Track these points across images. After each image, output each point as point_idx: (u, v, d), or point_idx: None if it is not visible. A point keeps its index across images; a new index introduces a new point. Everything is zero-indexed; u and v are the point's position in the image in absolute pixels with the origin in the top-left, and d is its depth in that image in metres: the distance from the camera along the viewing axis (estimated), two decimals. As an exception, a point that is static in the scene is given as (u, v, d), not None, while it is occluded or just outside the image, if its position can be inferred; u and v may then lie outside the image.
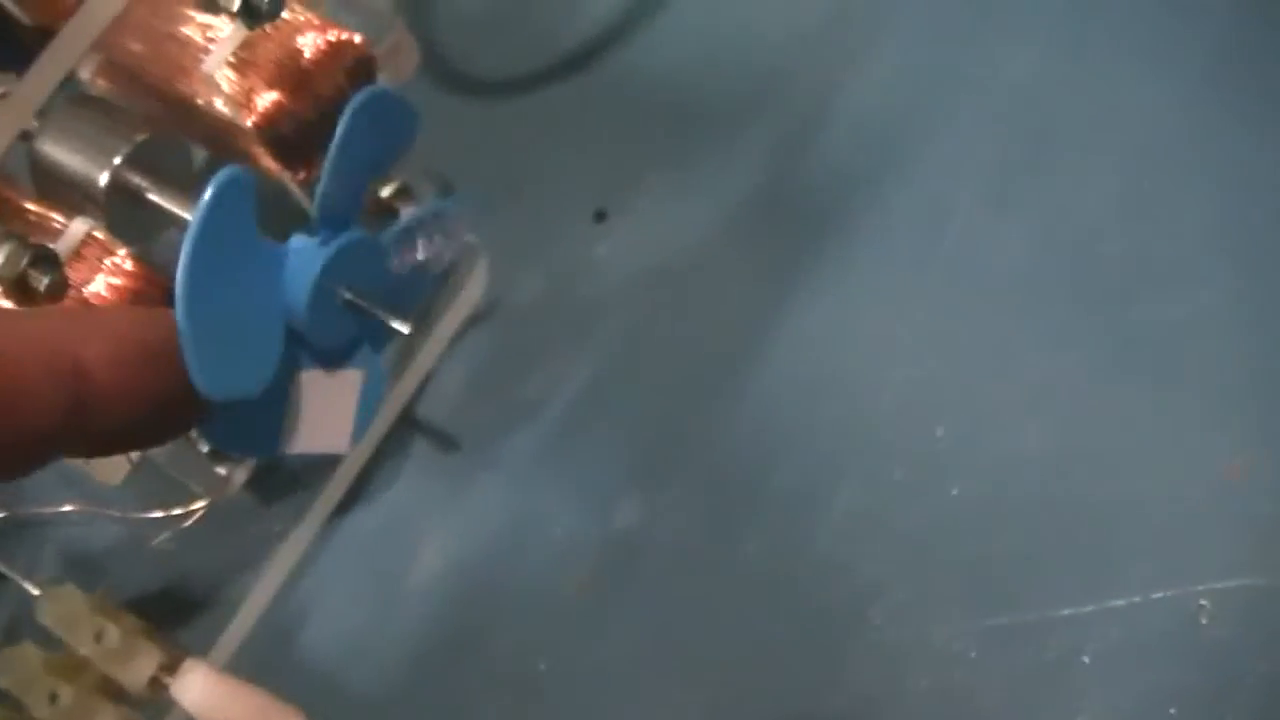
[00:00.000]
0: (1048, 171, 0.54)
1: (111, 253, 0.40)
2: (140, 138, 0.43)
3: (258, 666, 0.47)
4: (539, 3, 0.62)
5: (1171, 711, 0.43)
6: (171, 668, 0.46)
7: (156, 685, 0.46)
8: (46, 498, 0.52)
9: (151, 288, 0.41)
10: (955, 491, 0.47)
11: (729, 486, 0.49)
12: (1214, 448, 0.47)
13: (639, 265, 0.55)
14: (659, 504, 0.49)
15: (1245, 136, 0.53)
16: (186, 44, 0.42)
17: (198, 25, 0.42)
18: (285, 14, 0.41)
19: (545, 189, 0.57)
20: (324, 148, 0.42)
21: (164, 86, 0.43)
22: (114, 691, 0.45)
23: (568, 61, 0.60)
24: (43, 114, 0.43)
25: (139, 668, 0.46)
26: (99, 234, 0.41)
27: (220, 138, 0.44)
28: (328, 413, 0.40)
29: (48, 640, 0.46)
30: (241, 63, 0.42)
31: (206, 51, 0.42)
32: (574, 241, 0.55)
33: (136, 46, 0.43)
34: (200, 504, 0.49)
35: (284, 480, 0.51)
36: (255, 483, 0.51)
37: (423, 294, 0.43)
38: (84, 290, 0.40)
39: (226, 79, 0.41)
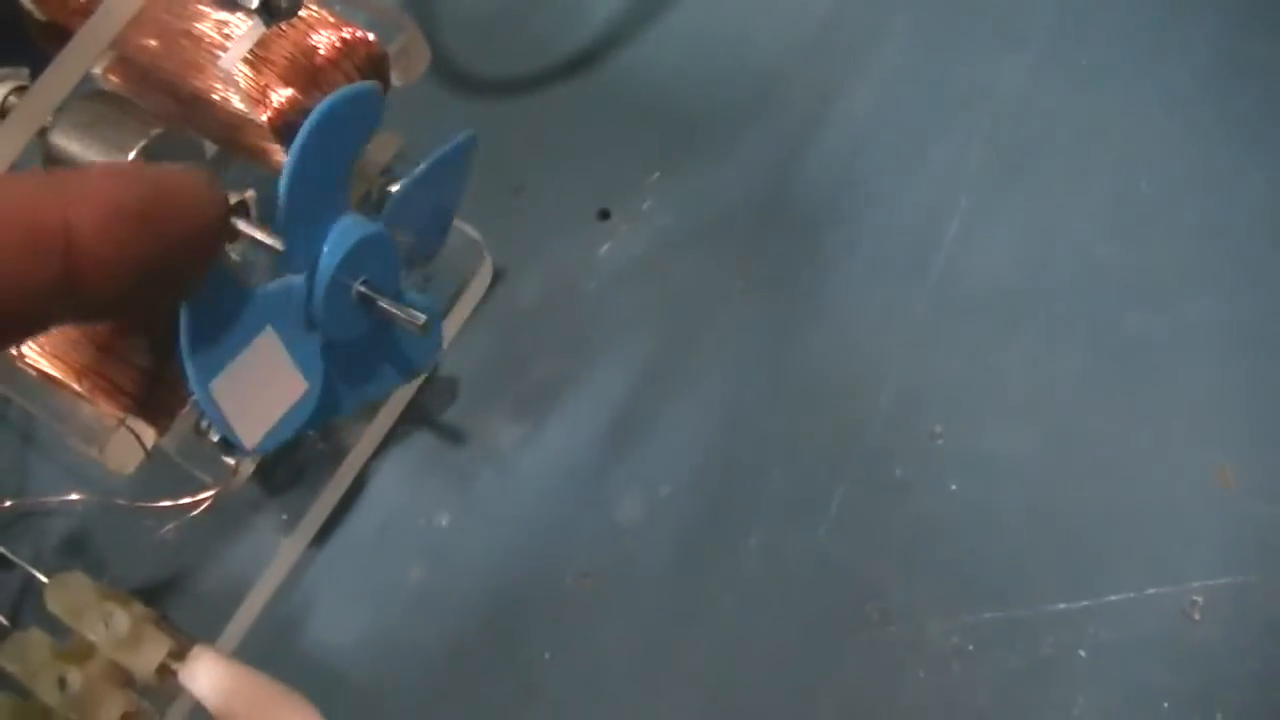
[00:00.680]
0: (1041, 180, 0.55)
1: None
2: (154, 132, 0.43)
3: (262, 656, 0.47)
4: (543, 6, 0.63)
5: (1165, 705, 0.44)
6: (179, 655, 0.46)
7: (165, 672, 0.46)
8: (52, 487, 0.53)
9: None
10: (954, 487, 0.48)
11: (730, 484, 0.50)
12: (1204, 452, 0.48)
13: (641, 265, 0.55)
14: (660, 500, 0.50)
15: (1236, 147, 0.54)
16: (201, 40, 0.43)
17: (213, 22, 0.43)
18: (301, 11, 0.42)
19: (549, 189, 0.57)
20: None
21: (177, 82, 0.44)
22: (122, 678, 0.46)
23: (571, 64, 0.61)
24: (57, 109, 0.44)
25: (147, 654, 0.46)
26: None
27: (233, 133, 0.44)
28: (259, 402, 0.41)
29: (54, 628, 0.46)
30: (256, 59, 0.42)
31: (222, 48, 0.42)
32: (578, 240, 0.56)
33: (151, 42, 0.44)
34: (207, 494, 0.50)
35: (290, 473, 0.52)
36: (261, 475, 0.51)
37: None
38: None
39: (242, 75, 0.42)
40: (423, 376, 0.54)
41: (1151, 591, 0.46)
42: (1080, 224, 0.54)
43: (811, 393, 0.51)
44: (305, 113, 0.44)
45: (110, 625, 0.46)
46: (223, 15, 0.42)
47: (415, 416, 0.53)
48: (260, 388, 0.40)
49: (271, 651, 0.49)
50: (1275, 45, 0.56)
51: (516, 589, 0.50)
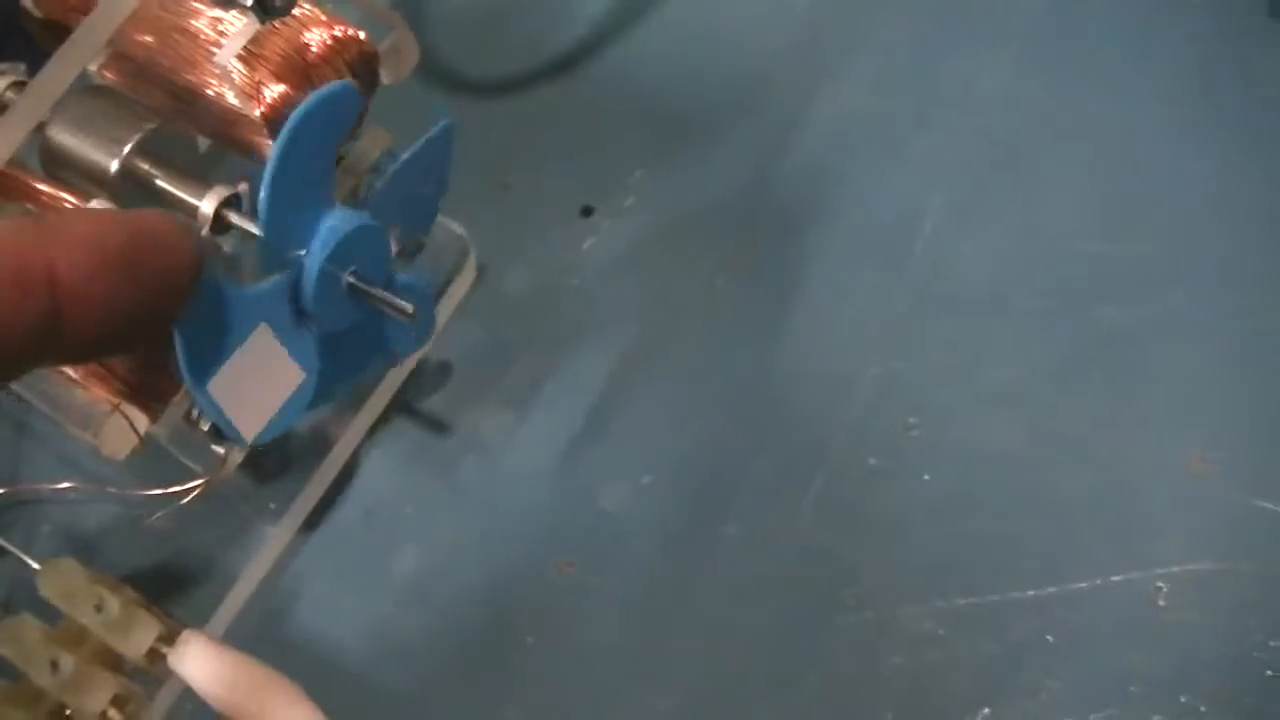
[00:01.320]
0: (1022, 175, 0.56)
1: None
2: (149, 126, 0.44)
3: (249, 642, 0.48)
4: (530, 6, 0.64)
5: (1131, 689, 0.45)
6: (169, 639, 0.47)
7: (155, 656, 0.47)
8: (43, 476, 0.54)
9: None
10: (926, 477, 0.50)
11: (710, 473, 0.51)
12: (1176, 443, 0.50)
13: (624, 259, 0.57)
14: (642, 488, 0.51)
15: (1214, 145, 0.56)
16: (197, 36, 0.44)
17: (209, 18, 0.44)
18: (294, 9, 0.43)
19: (533, 185, 0.58)
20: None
21: (172, 78, 0.45)
22: (113, 662, 0.47)
23: (557, 64, 0.62)
24: (54, 104, 0.45)
25: (138, 638, 0.47)
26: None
27: (227, 128, 0.45)
28: (257, 396, 0.42)
29: (46, 614, 0.47)
30: (250, 56, 0.43)
31: (216, 44, 0.43)
32: (562, 236, 0.57)
33: (147, 39, 0.45)
34: (197, 483, 0.51)
35: (278, 462, 0.53)
36: (250, 464, 0.52)
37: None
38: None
39: (237, 71, 0.43)
40: (416, 358, 0.55)
41: (1118, 578, 0.47)
42: (1060, 219, 0.55)
43: (791, 384, 0.53)
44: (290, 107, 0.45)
45: (102, 610, 0.47)
46: (217, 12, 0.43)
47: (401, 407, 0.54)
48: (257, 382, 0.41)
49: (259, 637, 0.50)
50: (1258, 43, 0.58)
51: (501, 575, 0.51)
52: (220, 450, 0.50)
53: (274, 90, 0.44)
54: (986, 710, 0.46)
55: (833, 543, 0.49)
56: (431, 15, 0.63)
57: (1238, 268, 0.53)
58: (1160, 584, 0.47)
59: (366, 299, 0.43)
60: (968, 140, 0.57)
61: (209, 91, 0.44)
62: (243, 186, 0.43)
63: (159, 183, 0.44)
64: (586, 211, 0.58)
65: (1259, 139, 0.56)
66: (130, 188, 0.44)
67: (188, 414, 0.47)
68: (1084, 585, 0.47)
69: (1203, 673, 0.45)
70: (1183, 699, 0.45)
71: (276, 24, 0.43)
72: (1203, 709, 0.45)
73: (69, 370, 0.42)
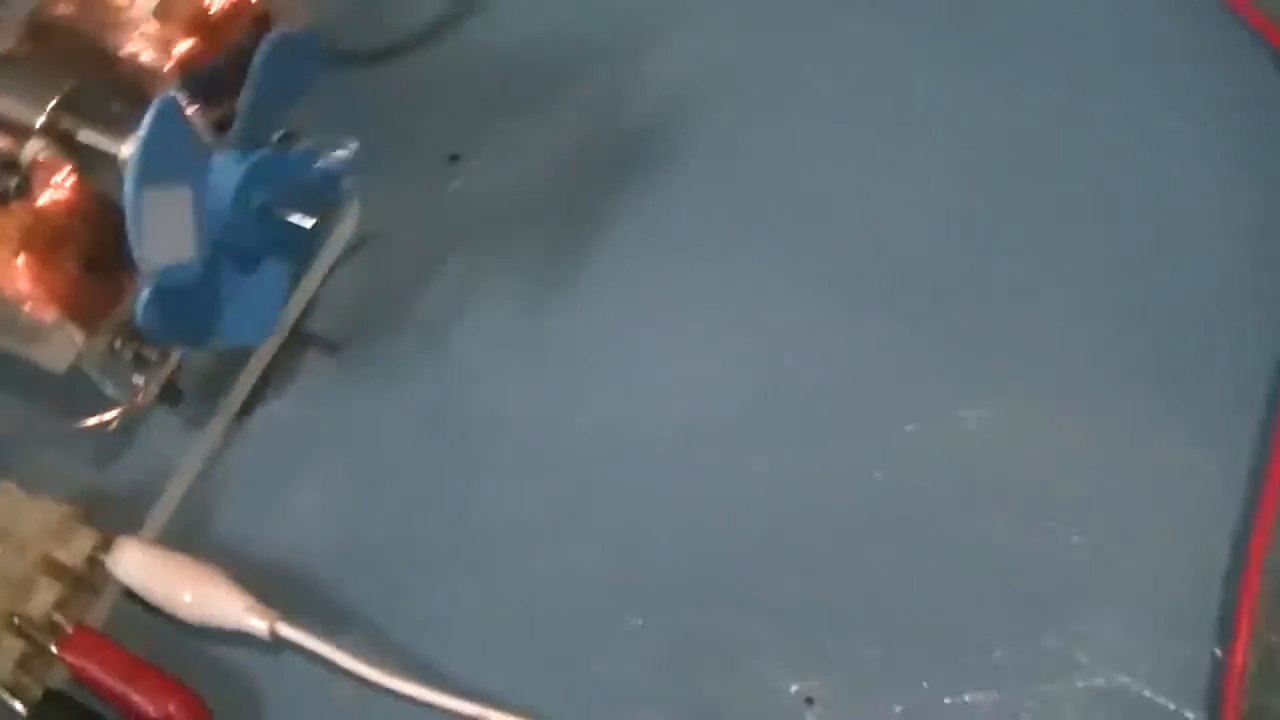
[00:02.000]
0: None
1: (56, 171, 0.47)
2: (68, 85, 0.50)
3: (178, 546, 0.54)
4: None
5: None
6: (105, 546, 0.53)
7: (93, 563, 0.53)
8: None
9: (88, 201, 0.48)
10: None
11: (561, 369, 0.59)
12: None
13: (488, 197, 0.64)
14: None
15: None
16: (110, 3, 0.50)
17: (121, -16, 0.49)
18: (198, -25, 0.49)
19: (407, 139, 0.65)
20: (234, 91, 0.50)
21: (87, 42, 0.50)
22: (55, 571, 0.52)
23: (421, 35, 0.69)
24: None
25: (77, 546, 0.52)
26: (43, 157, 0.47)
27: (140, 85, 0.51)
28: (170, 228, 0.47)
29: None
30: (161, 15, 0.49)
31: (130, 7, 0.49)
32: (434, 179, 0.64)
33: (64, 8, 0.50)
34: (118, 410, 0.56)
35: (191, 390, 0.58)
36: (166, 396, 0.57)
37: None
38: (36, 203, 0.47)
39: (152, 28, 0.48)
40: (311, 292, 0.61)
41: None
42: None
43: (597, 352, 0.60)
44: (205, 62, 0.51)
45: (44, 523, 0.52)
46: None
47: (300, 335, 0.60)
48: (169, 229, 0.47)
49: (185, 543, 0.55)
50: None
51: (393, 469, 0.58)
52: (139, 382, 0.56)
53: (183, 45, 0.50)
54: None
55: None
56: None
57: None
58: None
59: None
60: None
61: (123, 53, 0.50)
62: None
63: (80, 137, 0.49)
64: (453, 158, 0.65)
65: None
66: (54, 140, 0.49)
67: (111, 344, 0.53)
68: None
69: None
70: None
71: (184, -12, 0.49)
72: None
73: (11, 289, 0.47)
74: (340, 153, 0.52)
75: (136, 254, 0.45)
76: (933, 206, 0.63)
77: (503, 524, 0.56)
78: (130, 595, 0.53)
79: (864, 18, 0.68)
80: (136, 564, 0.52)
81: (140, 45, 0.49)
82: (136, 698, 0.50)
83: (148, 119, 0.44)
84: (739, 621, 0.53)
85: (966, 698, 0.51)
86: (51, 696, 0.50)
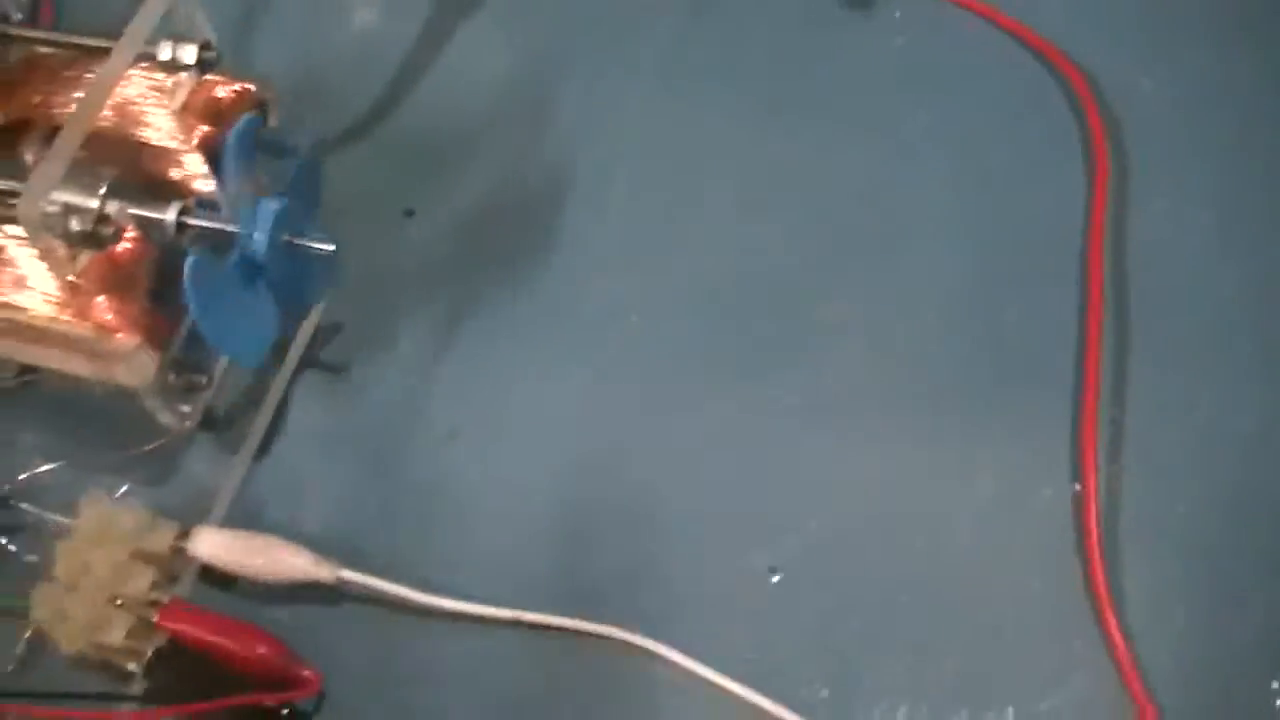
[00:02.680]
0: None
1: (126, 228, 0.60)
2: (112, 175, 0.62)
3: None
4: (334, 74, 0.83)
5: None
6: (184, 536, 0.65)
7: (176, 550, 0.65)
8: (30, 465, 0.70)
9: (149, 250, 0.61)
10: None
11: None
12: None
13: (437, 248, 0.77)
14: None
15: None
16: (143, 99, 0.63)
17: (150, 86, 0.63)
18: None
19: (365, 200, 0.78)
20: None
21: (122, 134, 0.63)
22: (146, 558, 0.64)
23: (367, 116, 0.82)
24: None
25: (161, 537, 0.64)
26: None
27: (165, 168, 0.63)
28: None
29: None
30: (181, 110, 0.63)
31: (159, 103, 0.63)
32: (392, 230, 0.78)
33: (105, 120, 0.63)
34: (167, 437, 0.68)
35: (222, 419, 0.71)
36: (205, 421, 0.70)
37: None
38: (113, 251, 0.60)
39: (175, 118, 0.62)
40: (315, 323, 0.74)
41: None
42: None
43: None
44: (215, 141, 0.64)
45: (131, 520, 0.64)
46: (158, 76, 0.62)
47: (307, 363, 0.73)
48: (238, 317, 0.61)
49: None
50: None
51: (392, 456, 0.70)
52: (186, 409, 0.68)
53: (200, 131, 0.63)
54: None
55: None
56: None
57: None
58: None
59: (299, 250, 0.63)
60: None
61: (153, 140, 0.63)
62: (191, 200, 0.62)
63: (130, 210, 0.62)
64: (409, 213, 0.78)
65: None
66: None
67: (165, 375, 0.65)
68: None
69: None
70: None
71: (198, 82, 0.63)
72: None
73: (99, 322, 0.60)
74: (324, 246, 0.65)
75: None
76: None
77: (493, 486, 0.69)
78: (203, 575, 0.65)
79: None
80: (214, 544, 0.64)
81: (164, 133, 0.62)
82: (231, 645, 0.62)
83: (188, 275, 0.58)
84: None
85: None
86: (159, 654, 0.62)
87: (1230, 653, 0.62)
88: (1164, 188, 0.74)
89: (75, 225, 0.57)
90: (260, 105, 0.66)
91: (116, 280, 0.60)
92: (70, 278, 0.59)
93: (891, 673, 0.63)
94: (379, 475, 0.70)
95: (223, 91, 0.64)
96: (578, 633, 0.64)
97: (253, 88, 0.65)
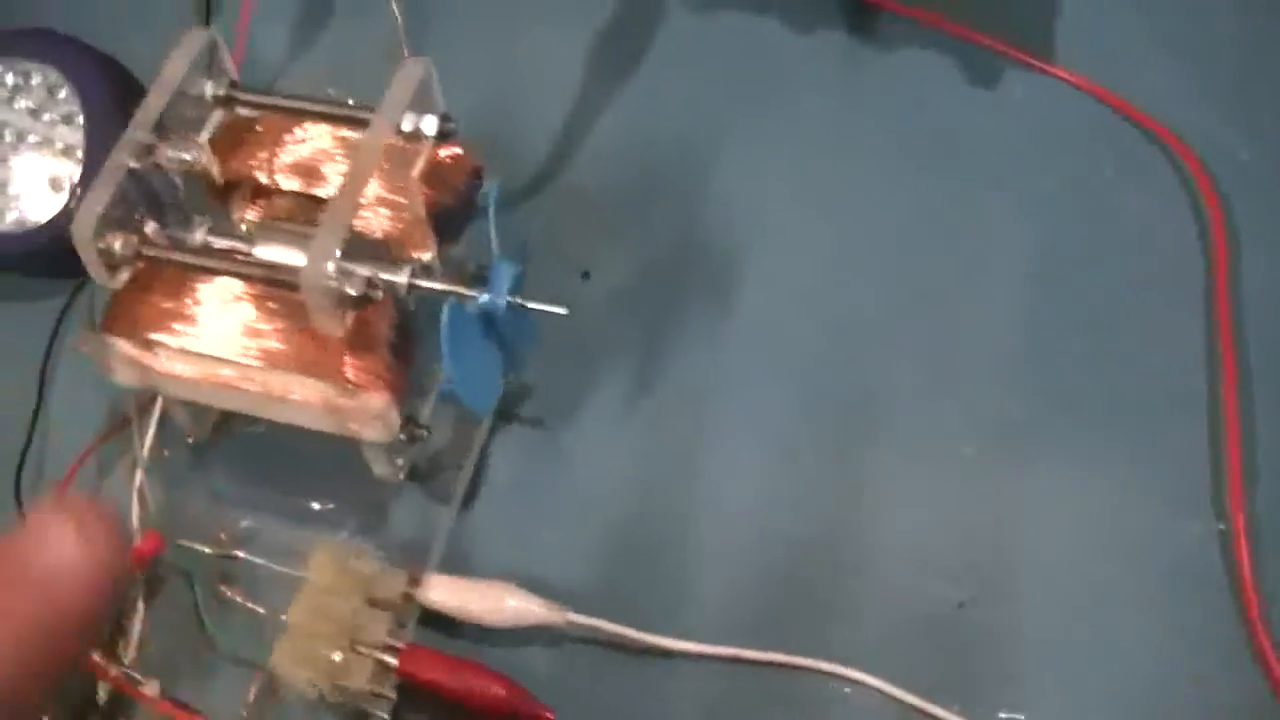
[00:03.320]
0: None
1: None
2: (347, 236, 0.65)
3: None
4: (526, 130, 0.85)
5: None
6: (415, 582, 0.67)
7: (407, 597, 0.67)
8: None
9: (391, 307, 0.65)
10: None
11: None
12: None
13: (613, 303, 0.80)
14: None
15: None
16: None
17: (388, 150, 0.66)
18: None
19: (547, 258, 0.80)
20: (461, 227, 0.68)
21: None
22: (380, 605, 0.66)
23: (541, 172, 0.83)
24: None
25: (394, 584, 0.67)
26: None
27: (403, 228, 0.67)
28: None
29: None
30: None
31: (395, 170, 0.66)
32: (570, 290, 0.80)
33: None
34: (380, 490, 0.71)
35: (425, 470, 0.74)
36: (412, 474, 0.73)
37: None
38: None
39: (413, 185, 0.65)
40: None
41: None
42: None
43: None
44: (442, 206, 0.67)
45: (365, 568, 0.67)
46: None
47: (504, 417, 0.76)
48: (479, 367, 0.64)
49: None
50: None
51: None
52: (400, 461, 0.71)
53: (424, 191, 0.67)
54: None
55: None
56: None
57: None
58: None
59: (527, 311, 0.66)
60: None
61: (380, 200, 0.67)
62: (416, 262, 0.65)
63: (360, 271, 0.65)
64: (585, 275, 0.80)
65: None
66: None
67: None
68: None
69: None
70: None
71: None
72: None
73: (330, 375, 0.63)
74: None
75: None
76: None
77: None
78: (425, 619, 0.68)
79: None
80: (446, 590, 0.67)
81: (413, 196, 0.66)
82: (470, 687, 0.64)
83: (446, 322, 0.62)
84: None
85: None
86: (403, 696, 0.65)
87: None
88: (1265, 245, 0.79)
89: (350, 290, 0.60)
90: (476, 171, 0.69)
91: (368, 339, 0.63)
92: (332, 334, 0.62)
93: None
94: (579, 523, 0.73)
95: (444, 154, 0.68)
96: (790, 667, 0.67)
97: (464, 153, 0.68)
